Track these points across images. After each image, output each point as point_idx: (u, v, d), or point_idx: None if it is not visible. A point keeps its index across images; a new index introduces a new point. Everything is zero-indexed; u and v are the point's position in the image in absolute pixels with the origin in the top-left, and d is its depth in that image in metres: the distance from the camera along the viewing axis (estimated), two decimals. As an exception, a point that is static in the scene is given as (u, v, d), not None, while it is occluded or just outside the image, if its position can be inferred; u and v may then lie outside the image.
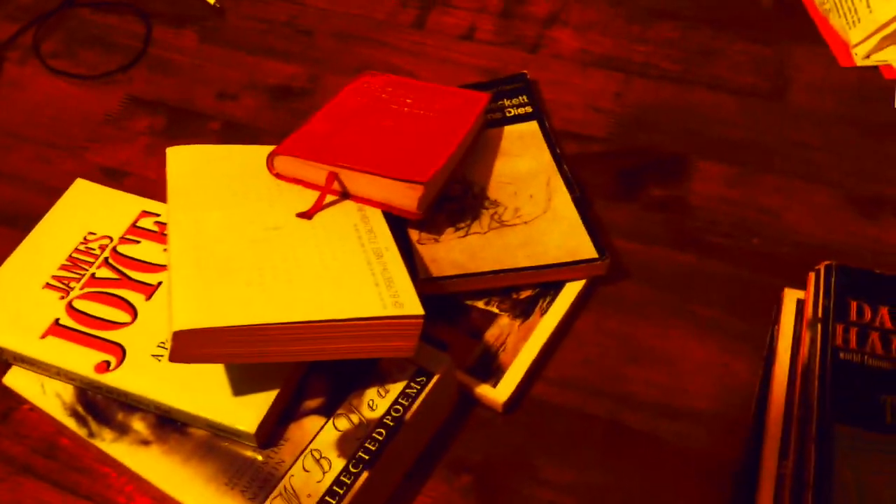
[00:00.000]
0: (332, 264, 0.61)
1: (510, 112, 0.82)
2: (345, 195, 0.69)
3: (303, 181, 0.70)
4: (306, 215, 0.66)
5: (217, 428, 0.58)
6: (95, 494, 0.62)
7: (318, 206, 0.67)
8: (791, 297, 0.66)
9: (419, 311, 0.57)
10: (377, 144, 0.71)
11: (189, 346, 0.54)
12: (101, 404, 0.61)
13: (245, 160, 0.72)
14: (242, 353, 0.56)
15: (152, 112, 0.88)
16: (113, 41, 0.95)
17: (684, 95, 0.85)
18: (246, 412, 0.57)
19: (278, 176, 0.70)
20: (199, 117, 0.87)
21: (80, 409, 0.61)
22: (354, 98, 0.79)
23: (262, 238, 0.62)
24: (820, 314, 0.61)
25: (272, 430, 0.59)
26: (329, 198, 0.69)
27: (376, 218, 0.67)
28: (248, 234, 0.62)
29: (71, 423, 0.61)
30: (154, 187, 0.80)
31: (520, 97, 0.83)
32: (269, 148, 0.73)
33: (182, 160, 0.70)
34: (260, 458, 0.58)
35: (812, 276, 0.64)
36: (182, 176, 0.68)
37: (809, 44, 0.88)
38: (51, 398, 0.62)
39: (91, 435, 0.60)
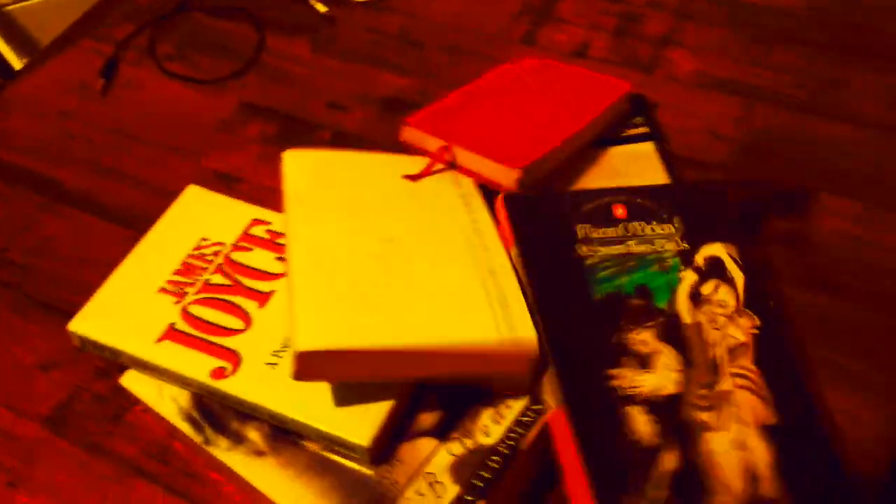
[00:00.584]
0: (447, 283, 0.60)
1: (625, 133, 0.80)
2: (452, 165, 0.73)
3: (424, 150, 0.74)
4: (414, 178, 0.70)
5: (331, 440, 0.58)
6: (206, 501, 0.62)
7: (427, 172, 0.71)
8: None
9: (532, 335, 0.56)
10: (495, 124, 0.74)
11: (312, 367, 0.54)
12: (216, 411, 0.62)
13: (361, 167, 0.72)
14: (359, 374, 0.56)
15: (264, 119, 0.88)
16: (227, 46, 0.96)
17: (809, 125, 0.82)
18: (360, 426, 0.57)
19: (405, 143, 0.75)
20: (311, 126, 0.87)
21: (195, 414, 0.62)
22: (497, 79, 0.83)
23: (378, 252, 0.62)
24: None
25: (385, 447, 0.58)
26: (440, 175, 0.72)
27: (489, 228, 0.66)
28: (365, 246, 0.62)
29: (186, 429, 0.61)
30: (266, 194, 0.80)
31: (635, 118, 0.81)
32: (385, 156, 0.73)
33: (299, 165, 0.70)
34: (373, 475, 0.57)
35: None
36: (299, 181, 0.68)
37: (942, 75, 0.85)
38: (167, 402, 0.62)
39: (206, 442, 0.60)
